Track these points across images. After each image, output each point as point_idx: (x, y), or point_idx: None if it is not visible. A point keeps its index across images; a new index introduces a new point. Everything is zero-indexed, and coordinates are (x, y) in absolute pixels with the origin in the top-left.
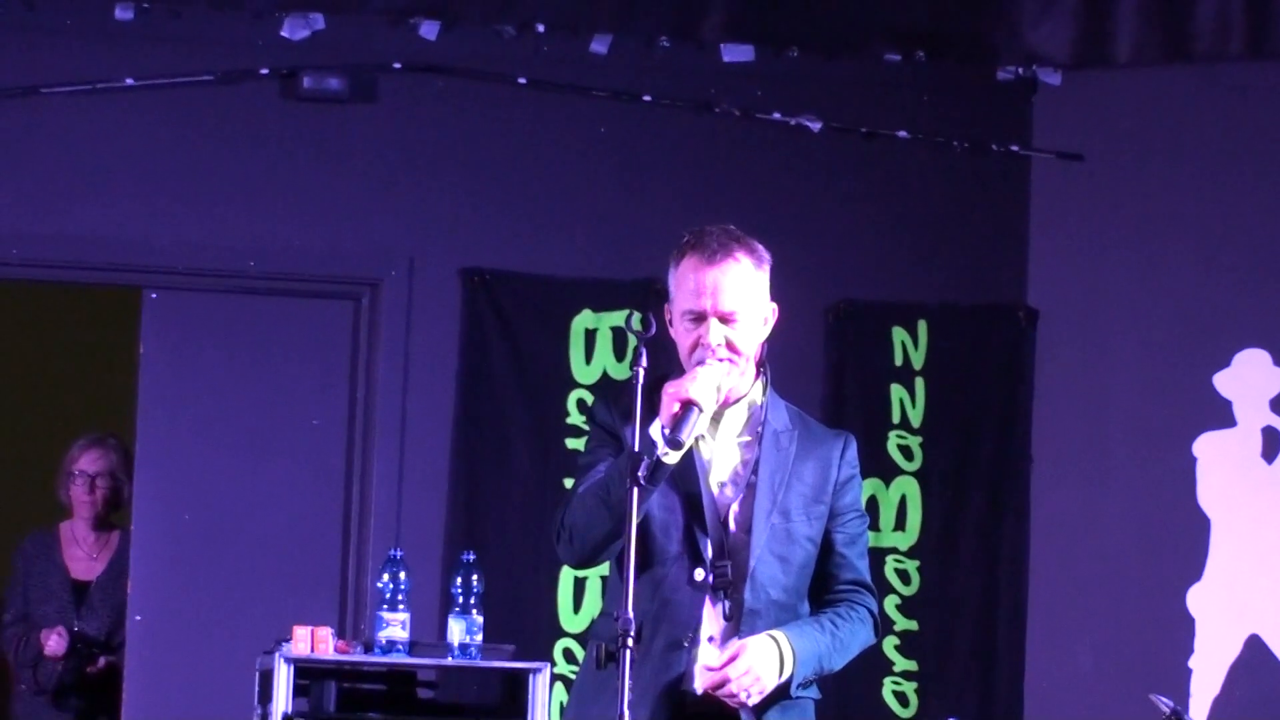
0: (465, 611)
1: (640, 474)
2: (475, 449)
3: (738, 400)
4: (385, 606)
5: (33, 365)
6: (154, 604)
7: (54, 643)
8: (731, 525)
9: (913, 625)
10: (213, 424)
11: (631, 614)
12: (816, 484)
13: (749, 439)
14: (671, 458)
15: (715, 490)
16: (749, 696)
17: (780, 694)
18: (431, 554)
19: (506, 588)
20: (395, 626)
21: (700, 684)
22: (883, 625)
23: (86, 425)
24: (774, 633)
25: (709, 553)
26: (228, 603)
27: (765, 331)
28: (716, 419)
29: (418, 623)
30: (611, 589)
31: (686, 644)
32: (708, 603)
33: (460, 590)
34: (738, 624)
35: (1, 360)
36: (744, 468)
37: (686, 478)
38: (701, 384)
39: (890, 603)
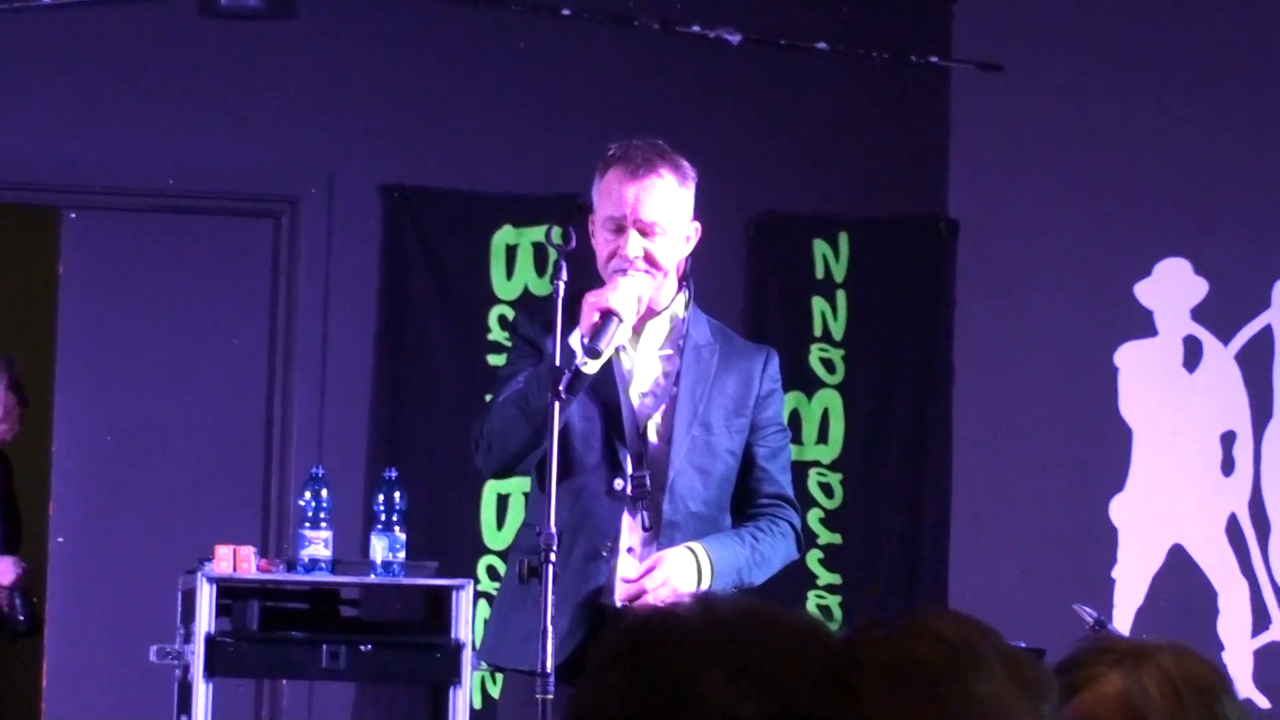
0: (388, 529)
1: (560, 385)
2: (397, 366)
3: (660, 313)
4: (308, 524)
5: None
6: (76, 525)
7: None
8: (652, 437)
9: (836, 539)
10: (133, 344)
11: (554, 528)
12: (738, 397)
13: (670, 352)
14: (590, 367)
15: (636, 401)
16: None
17: None
18: (354, 471)
19: (429, 505)
20: (318, 544)
21: (619, 595)
22: (806, 539)
23: (6, 347)
24: (692, 544)
25: (628, 463)
26: (149, 523)
27: (686, 249)
28: (638, 331)
29: (340, 540)
30: (533, 501)
31: (605, 554)
32: (626, 514)
33: (383, 508)
34: (656, 535)
35: None
36: (665, 379)
37: (606, 388)
38: (622, 294)
39: (813, 516)
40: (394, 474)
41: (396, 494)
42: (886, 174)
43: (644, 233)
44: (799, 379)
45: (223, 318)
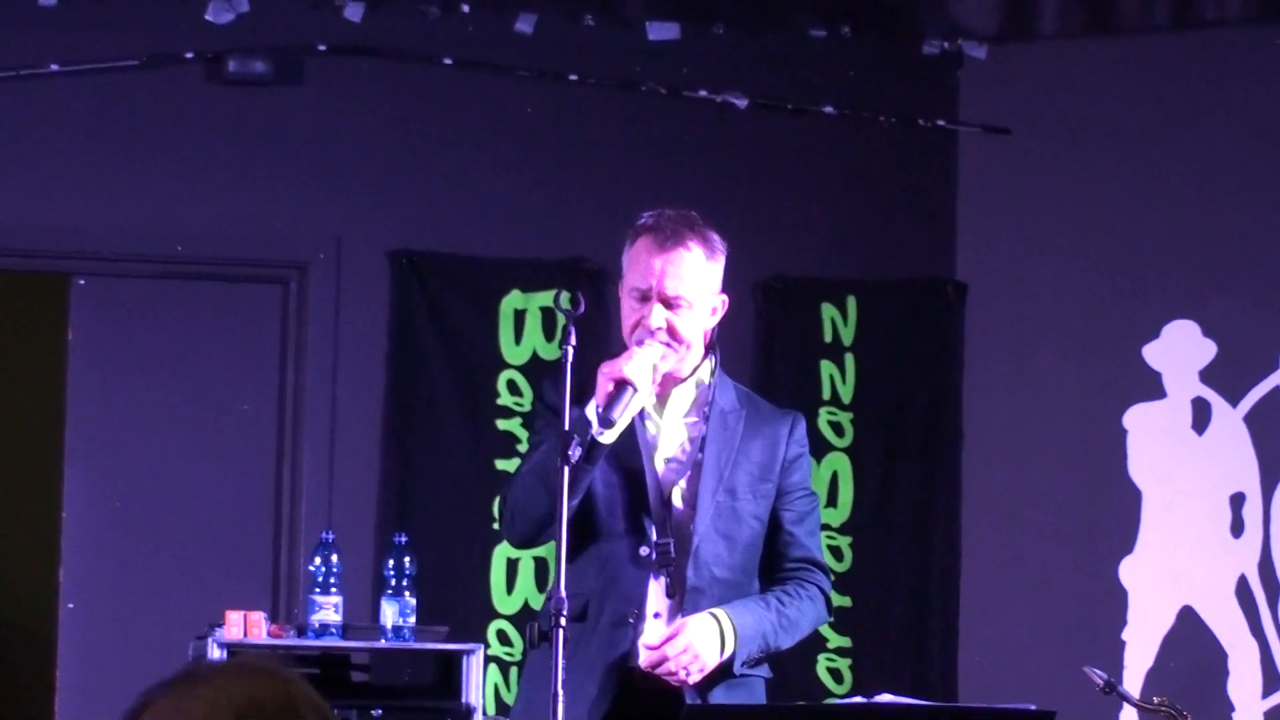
0: (398, 593)
1: (573, 453)
2: (406, 431)
3: (685, 379)
4: (318, 589)
5: None
6: (86, 591)
7: None
8: (677, 503)
9: (846, 601)
10: (143, 410)
11: (564, 593)
12: (764, 462)
13: (696, 418)
14: (607, 437)
15: (661, 468)
16: (688, 675)
17: (724, 672)
18: (363, 536)
19: (439, 569)
20: (328, 609)
21: (642, 661)
22: None
23: (15, 413)
24: (715, 610)
25: (653, 531)
26: (160, 589)
27: (712, 321)
28: (664, 397)
29: (350, 605)
30: (558, 567)
31: (632, 620)
32: (652, 580)
33: (393, 572)
34: (681, 601)
35: None
36: (691, 445)
37: (629, 455)
38: (637, 363)
39: None
40: (404, 539)
41: (406, 559)
42: (894, 237)
43: (668, 305)
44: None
45: (232, 383)
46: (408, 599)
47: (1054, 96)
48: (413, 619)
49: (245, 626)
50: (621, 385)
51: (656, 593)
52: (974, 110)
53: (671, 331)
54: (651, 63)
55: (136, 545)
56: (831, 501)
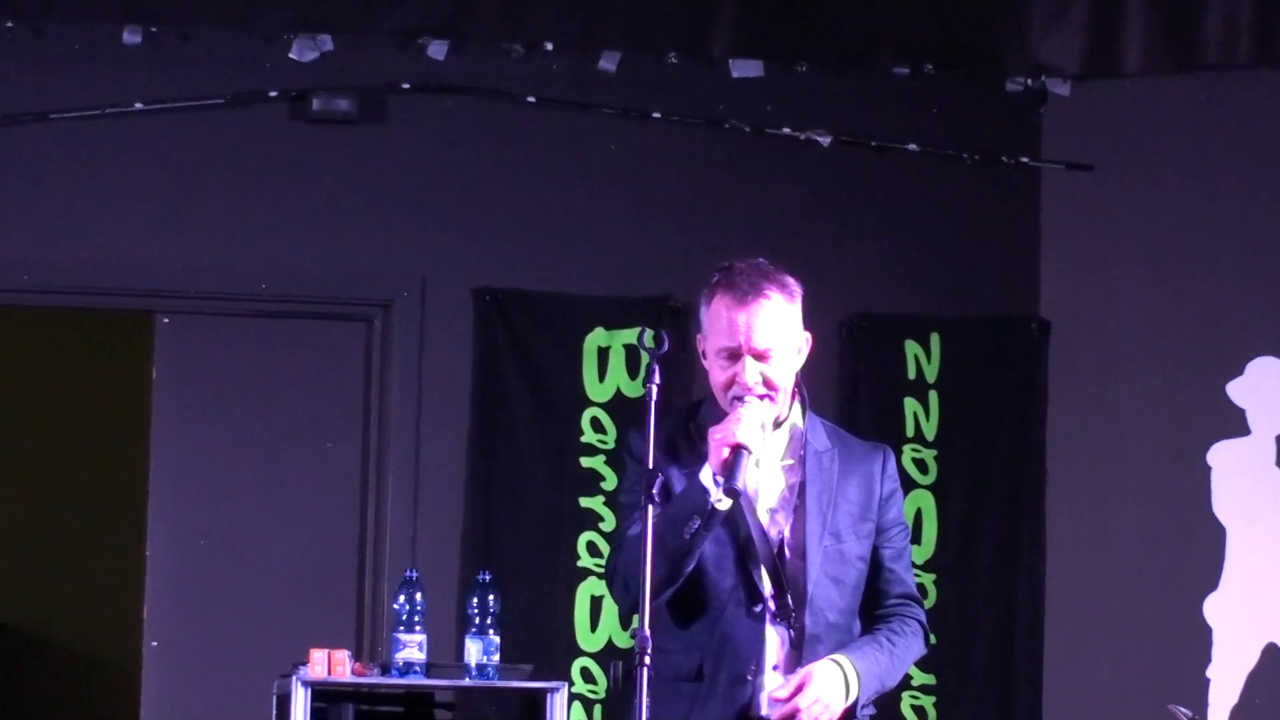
0: (482, 632)
1: (692, 524)
2: (489, 468)
3: (779, 424)
4: (402, 628)
5: (46, 392)
6: (170, 629)
7: None
8: (785, 552)
9: (930, 639)
10: (226, 448)
11: (648, 632)
12: (862, 501)
13: (792, 462)
14: (725, 504)
15: (765, 519)
16: None
17: (846, 717)
18: (447, 574)
19: (523, 607)
20: (412, 648)
21: (769, 714)
22: None
23: (100, 451)
24: (837, 657)
25: (765, 582)
26: (244, 627)
27: (800, 361)
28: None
29: (434, 643)
30: (665, 628)
31: (750, 675)
32: (769, 631)
33: (476, 610)
34: (800, 650)
35: (15, 387)
36: (790, 492)
37: (734, 511)
38: (746, 426)
39: None
40: (487, 576)
41: (490, 597)
42: (978, 274)
43: (759, 358)
44: None
45: (316, 421)
46: (492, 637)
47: (1137, 133)
48: (497, 657)
49: (329, 665)
50: (737, 450)
51: (774, 645)
52: (1057, 147)
53: (768, 384)
54: (735, 101)
55: (220, 583)
56: (916, 539)
